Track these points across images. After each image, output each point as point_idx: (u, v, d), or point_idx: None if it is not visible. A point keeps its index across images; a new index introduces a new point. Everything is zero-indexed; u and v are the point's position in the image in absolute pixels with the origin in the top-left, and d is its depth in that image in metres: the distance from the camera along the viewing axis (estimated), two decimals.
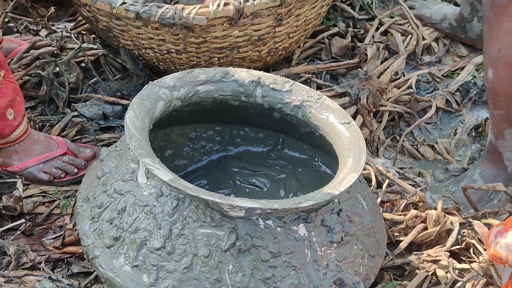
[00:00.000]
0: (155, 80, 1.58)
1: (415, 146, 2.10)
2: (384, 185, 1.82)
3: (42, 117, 2.04)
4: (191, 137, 1.78)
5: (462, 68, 2.32)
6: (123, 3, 1.84)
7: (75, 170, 1.85)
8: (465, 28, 2.35)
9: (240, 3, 1.84)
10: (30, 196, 1.82)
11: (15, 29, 2.37)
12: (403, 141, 2.08)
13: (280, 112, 1.67)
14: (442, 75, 2.32)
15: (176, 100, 1.58)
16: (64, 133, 1.99)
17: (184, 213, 1.34)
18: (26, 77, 2.11)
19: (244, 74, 1.67)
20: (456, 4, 2.54)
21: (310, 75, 2.19)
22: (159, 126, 1.61)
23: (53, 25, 2.41)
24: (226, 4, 1.84)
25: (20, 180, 1.80)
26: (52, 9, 2.42)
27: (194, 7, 1.84)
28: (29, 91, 2.11)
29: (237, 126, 1.78)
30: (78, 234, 1.49)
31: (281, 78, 1.67)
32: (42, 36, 2.35)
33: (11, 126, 1.77)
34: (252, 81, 1.66)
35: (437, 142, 2.10)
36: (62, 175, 1.85)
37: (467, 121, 2.18)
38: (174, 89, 1.58)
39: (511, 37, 1.67)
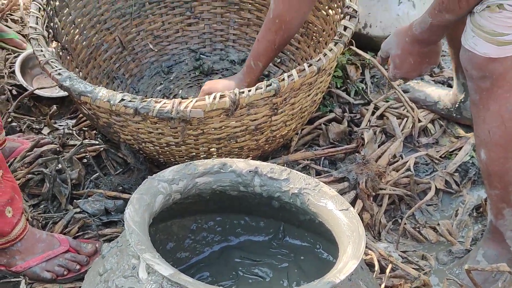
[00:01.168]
0: (154, 174, 1.60)
1: (417, 229, 2.10)
2: (388, 270, 1.81)
3: (45, 214, 2.06)
4: (192, 229, 1.79)
5: (460, 148, 2.34)
6: (122, 100, 1.87)
7: (78, 266, 1.86)
8: (459, 108, 2.39)
9: (235, 94, 1.87)
10: None
11: (17, 128, 2.42)
12: (405, 224, 2.09)
13: (279, 201, 1.68)
14: (440, 156, 2.33)
15: (175, 193, 1.59)
16: (67, 230, 2.01)
17: None
18: (29, 175, 2.14)
19: (241, 165, 1.68)
20: (450, 86, 2.58)
21: (308, 162, 2.22)
22: (160, 219, 1.62)
23: (55, 123, 2.46)
24: (222, 96, 1.87)
25: (23, 280, 1.81)
26: (54, 107, 2.47)
27: (191, 101, 1.87)
28: (32, 189, 2.14)
29: (237, 216, 1.79)
30: None
31: (278, 167, 1.69)
32: (44, 134, 2.39)
33: (11, 223, 1.79)
34: (249, 171, 1.67)
35: (439, 224, 2.11)
36: (65, 273, 1.85)
37: (467, 201, 2.18)
38: (173, 182, 1.60)
39: (499, 118, 1.71)
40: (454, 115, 2.42)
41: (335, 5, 2.26)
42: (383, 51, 1.99)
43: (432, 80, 2.63)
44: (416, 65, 1.94)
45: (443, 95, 2.43)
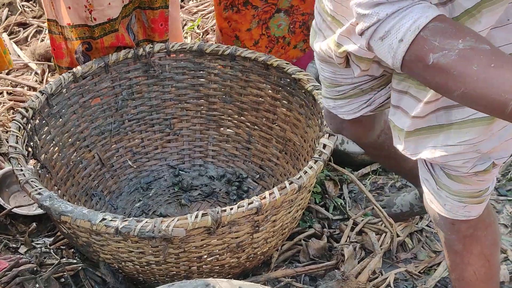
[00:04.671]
0: None
1: None
2: None
3: None
4: None
5: (438, 264, 2.35)
6: (103, 219, 1.87)
7: None
8: None
9: (217, 213, 1.88)
10: None
11: None
12: None
13: None
14: (419, 272, 2.33)
15: None
16: None
17: None
18: None
19: (224, 285, 1.67)
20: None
21: (289, 279, 2.21)
22: None
23: (32, 241, 2.43)
24: (204, 214, 1.88)
25: None
26: (34, 225, 2.45)
27: (173, 220, 1.87)
28: None
29: None
30: None
31: (261, 287, 1.68)
32: (21, 253, 2.36)
33: None
34: None
35: None
36: None
37: None
38: None
39: (482, 257, 1.73)
40: None
41: (313, 123, 2.32)
42: None
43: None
44: None
45: (412, 199, 2.44)
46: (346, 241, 2.41)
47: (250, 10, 2.75)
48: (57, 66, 2.60)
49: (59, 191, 2.37)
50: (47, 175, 2.32)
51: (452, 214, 1.65)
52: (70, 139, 2.48)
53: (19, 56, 3.65)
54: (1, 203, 2.54)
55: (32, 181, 2.01)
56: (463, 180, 1.56)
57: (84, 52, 2.53)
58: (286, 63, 2.45)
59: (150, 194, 2.64)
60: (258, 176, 2.65)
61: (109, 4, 2.43)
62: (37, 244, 2.42)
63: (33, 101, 2.32)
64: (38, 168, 2.27)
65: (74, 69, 2.46)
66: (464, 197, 1.60)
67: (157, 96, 2.68)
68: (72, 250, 2.34)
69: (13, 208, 2.49)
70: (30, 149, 2.24)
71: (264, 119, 2.61)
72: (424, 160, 1.60)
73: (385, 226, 2.46)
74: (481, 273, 1.74)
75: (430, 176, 1.61)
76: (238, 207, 1.90)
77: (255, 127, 2.65)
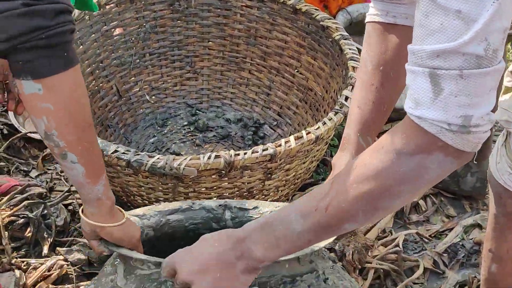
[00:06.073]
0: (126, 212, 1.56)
1: None
2: None
3: (25, 259, 2.00)
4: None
5: (451, 229, 2.32)
6: (115, 151, 1.85)
7: None
8: (458, 182, 2.36)
9: (230, 156, 1.85)
10: None
11: (5, 169, 2.37)
12: None
13: None
14: (430, 236, 2.30)
15: (148, 228, 1.54)
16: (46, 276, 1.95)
17: None
18: (13, 217, 2.09)
19: (210, 202, 1.65)
20: None
21: None
22: None
23: (44, 165, 2.42)
24: (217, 156, 1.85)
25: None
26: (48, 150, 2.44)
27: (185, 158, 1.85)
28: (15, 231, 2.09)
29: None
30: None
31: (248, 201, 1.64)
32: (32, 177, 2.35)
33: None
34: (219, 205, 1.63)
35: None
36: None
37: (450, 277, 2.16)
38: (144, 217, 1.55)
39: None
40: (452, 187, 2.40)
41: (337, 74, 2.26)
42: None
43: None
44: None
45: None
46: None
47: None
48: None
49: None
50: None
51: (497, 175, 1.61)
52: (89, 68, 2.44)
53: None
54: (15, 125, 2.52)
55: None
56: None
57: None
58: (316, 9, 2.38)
59: (165, 131, 2.61)
60: (275, 123, 2.61)
61: None
62: (48, 169, 2.41)
63: None
64: None
65: None
66: None
67: (180, 32, 2.63)
68: None
69: (27, 133, 2.47)
70: None
71: (287, 65, 2.55)
72: None
73: None
74: None
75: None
76: (252, 152, 1.87)
77: (277, 73, 2.60)
